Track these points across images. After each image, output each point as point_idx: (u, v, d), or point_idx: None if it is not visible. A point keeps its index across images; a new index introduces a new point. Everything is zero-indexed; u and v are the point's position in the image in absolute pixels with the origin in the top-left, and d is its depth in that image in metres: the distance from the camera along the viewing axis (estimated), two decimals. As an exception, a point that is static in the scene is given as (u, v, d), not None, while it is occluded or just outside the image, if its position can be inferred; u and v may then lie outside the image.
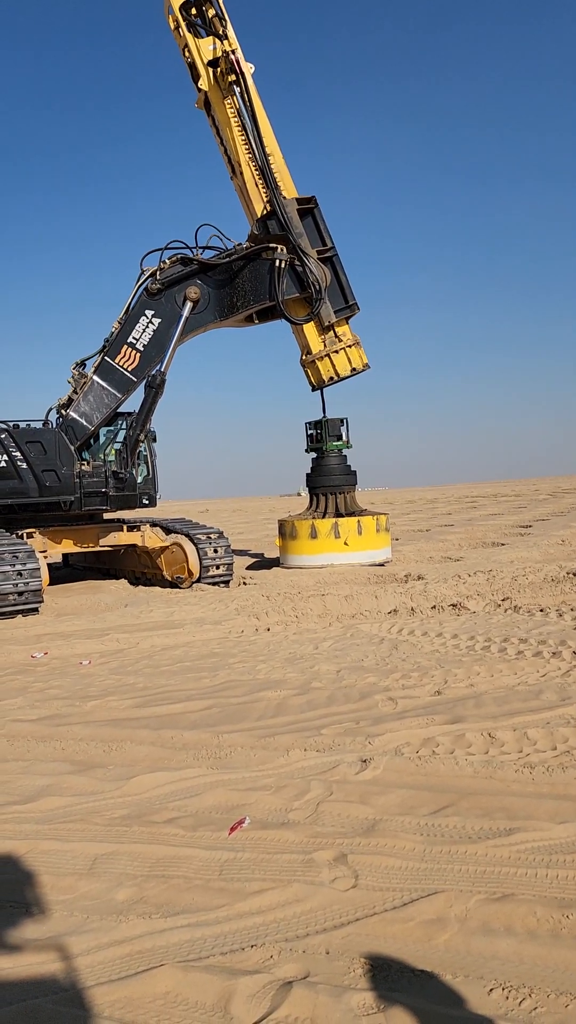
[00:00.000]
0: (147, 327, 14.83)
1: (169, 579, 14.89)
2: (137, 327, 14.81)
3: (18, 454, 13.80)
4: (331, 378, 16.32)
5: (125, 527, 15.21)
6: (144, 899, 3.42)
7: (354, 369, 16.36)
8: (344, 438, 16.88)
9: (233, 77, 15.50)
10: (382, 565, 15.89)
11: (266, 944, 3.02)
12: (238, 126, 15.85)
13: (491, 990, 2.70)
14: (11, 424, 14.26)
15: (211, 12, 15.63)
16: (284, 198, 15.51)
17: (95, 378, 14.72)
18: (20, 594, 12.04)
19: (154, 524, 15.35)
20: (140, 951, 3.02)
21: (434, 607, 10.54)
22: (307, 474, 17.17)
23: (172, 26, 16.17)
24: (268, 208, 15.53)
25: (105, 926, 3.20)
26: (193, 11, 15.81)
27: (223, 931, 3.13)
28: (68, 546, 15.07)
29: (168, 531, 15.14)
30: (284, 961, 2.90)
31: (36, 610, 12.31)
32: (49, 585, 13.70)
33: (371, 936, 3.05)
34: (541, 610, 9.80)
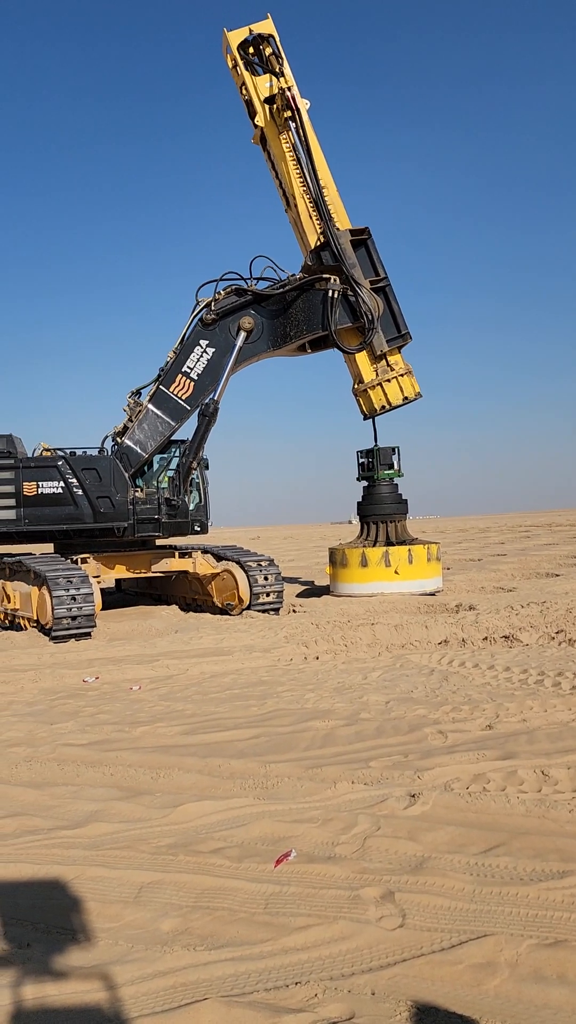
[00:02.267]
0: (201, 356, 15.08)
1: (219, 606, 14.95)
2: (192, 356, 15.06)
3: (74, 481, 14.10)
4: (383, 407, 16.34)
5: (177, 553, 15.35)
6: (189, 930, 3.41)
7: (406, 398, 16.34)
8: (396, 467, 16.83)
9: (289, 113, 15.82)
10: (433, 595, 15.73)
11: (311, 982, 2.98)
12: (293, 160, 16.13)
13: (542, 1041, 2.61)
14: (68, 451, 14.59)
15: (268, 51, 16.02)
16: (337, 229, 15.69)
17: (150, 406, 14.99)
18: (74, 618, 12.23)
19: (205, 551, 15.46)
20: (184, 983, 3.00)
21: (486, 638, 10.37)
22: (358, 502, 17.15)
23: (230, 64, 16.59)
24: (322, 239, 15.72)
25: (150, 956, 3.19)
26: (251, 50, 16.22)
27: (268, 966, 3.10)
28: (121, 571, 15.27)
29: (219, 558, 15.24)
30: (329, 1000, 2.86)
31: (89, 635, 12.47)
32: (102, 610, 13.88)
33: (418, 978, 2.98)
34: (597, 644, 9.56)
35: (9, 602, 14.21)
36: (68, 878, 3.92)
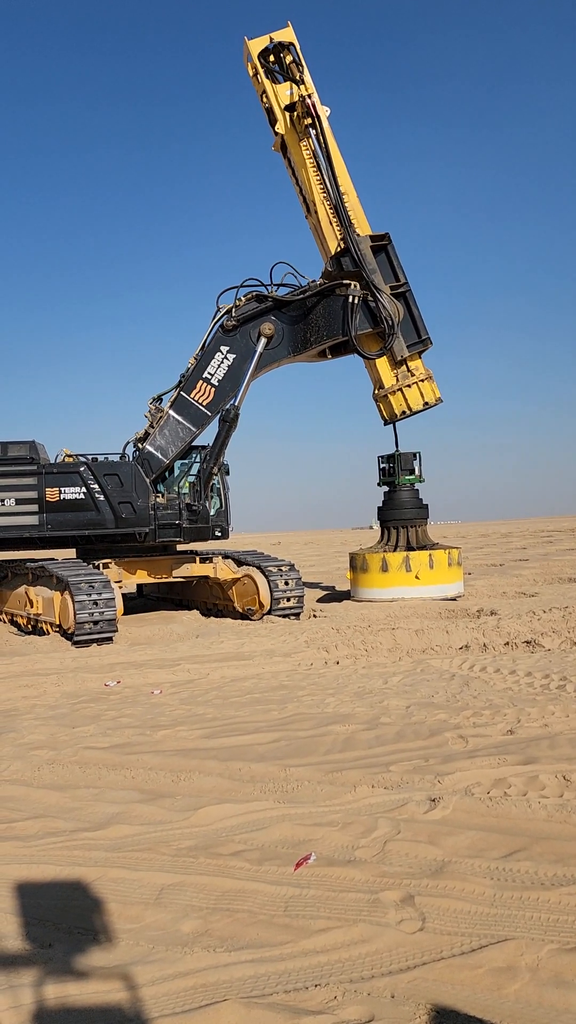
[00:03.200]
0: (222, 362, 15.15)
1: (240, 611, 14.98)
2: (212, 362, 15.14)
3: (96, 486, 14.21)
4: (403, 412, 16.33)
5: (198, 559, 15.43)
6: (209, 932, 3.42)
7: (427, 403, 16.33)
8: (416, 472, 16.81)
9: (309, 120, 15.89)
10: (454, 600, 15.66)
11: (330, 984, 2.98)
12: (313, 167, 16.19)
13: (563, 1045, 2.60)
14: (90, 457, 14.71)
15: (288, 58, 16.10)
16: (358, 235, 15.72)
17: (171, 412, 15.08)
18: (96, 623, 12.31)
19: (226, 556, 15.51)
20: (204, 984, 3.01)
21: (507, 643, 10.32)
22: (379, 507, 17.13)
23: (251, 73, 16.68)
24: (342, 245, 15.76)
25: (170, 957, 3.21)
26: (271, 58, 16.30)
27: (287, 968, 3.10)
28: (142, 576, 15.35)
29: (240, 563, 15.28)
30: (348, 1003, 2.86)
31: (111, 639, 12.55)
32: (123, 615, 13.96)
33: (438, 982, 2.97)
34: (620, 650, 9.47)
35: (32, 607, 14.34)
36: (90, 879, 3.95)
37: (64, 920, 3.56)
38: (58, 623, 13.17)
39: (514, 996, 2.87)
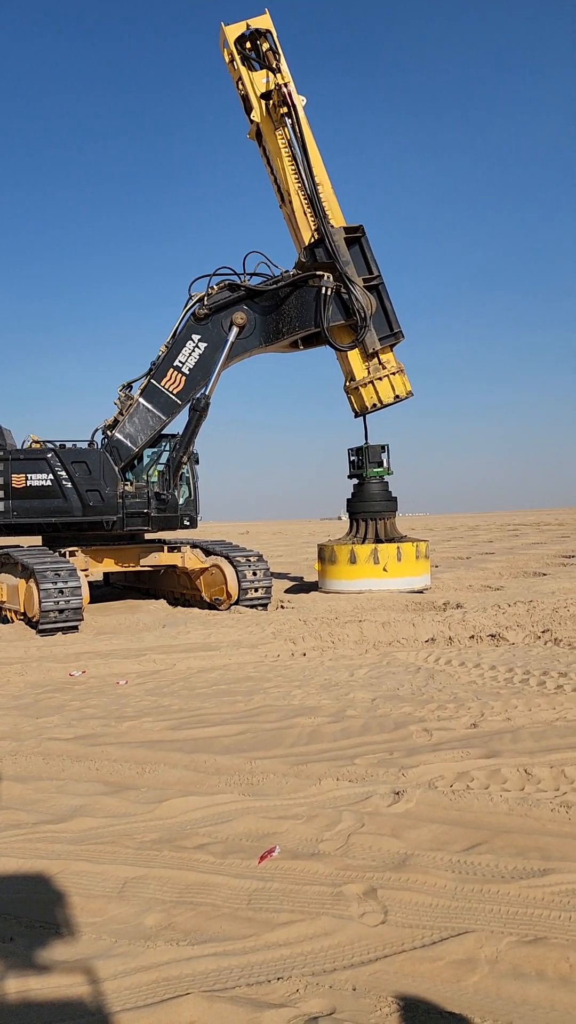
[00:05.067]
0: (193, 351, 15.04)
1: (207, 601, 14.95)
2: (183, 351, 15.03)
3: (63, 473, 14.05)
4: (374, 405, 16.37)
5: (166, 548, 15.35)
6: (172, 925, 3.42)
7: (397, 396, 16.39)
8: (385, 464, 16.88)
9: (285, 109, 15.79)
10: (421, 592, 15.78)
11: (292, 977, 3.00)
12: (288, 156, 16.11)
13: (520, 1037, 2.64)
14: (57, 444, 14.54)
15: (265, 46, 15.98)
16: (332, 227, 15.68)
17: (141, 400, 14.95)
18: (61, 612, 12.20)
19: (194, 545, 15.46)
20: (167, 978, 3.02)
21: (472, 637, 10.42)
22: (348, 499, 17.18)
23: (227, 59, 16.54)
24: (316, 236, 15.72)
25: (133, 951, 3.20)
26: (248, 45, 16.16)
27: (250, 962, 3.12)
28: (109, 565, 15.23)
29: (208, 553, 15.23)
30: (310, 996, 2.88)
31: (76, 628, 12.45)
32: (89, 603, 13.85)
33: (399, 974, 3.01)
34: (582, 644, 9.61)
35: (-4, 594, 14.17)
36: (52, 872, 3.93)
37: (26, 913, 3.54)
38: (23, 611, 13.04)
39: (473, 988, 2.92)
